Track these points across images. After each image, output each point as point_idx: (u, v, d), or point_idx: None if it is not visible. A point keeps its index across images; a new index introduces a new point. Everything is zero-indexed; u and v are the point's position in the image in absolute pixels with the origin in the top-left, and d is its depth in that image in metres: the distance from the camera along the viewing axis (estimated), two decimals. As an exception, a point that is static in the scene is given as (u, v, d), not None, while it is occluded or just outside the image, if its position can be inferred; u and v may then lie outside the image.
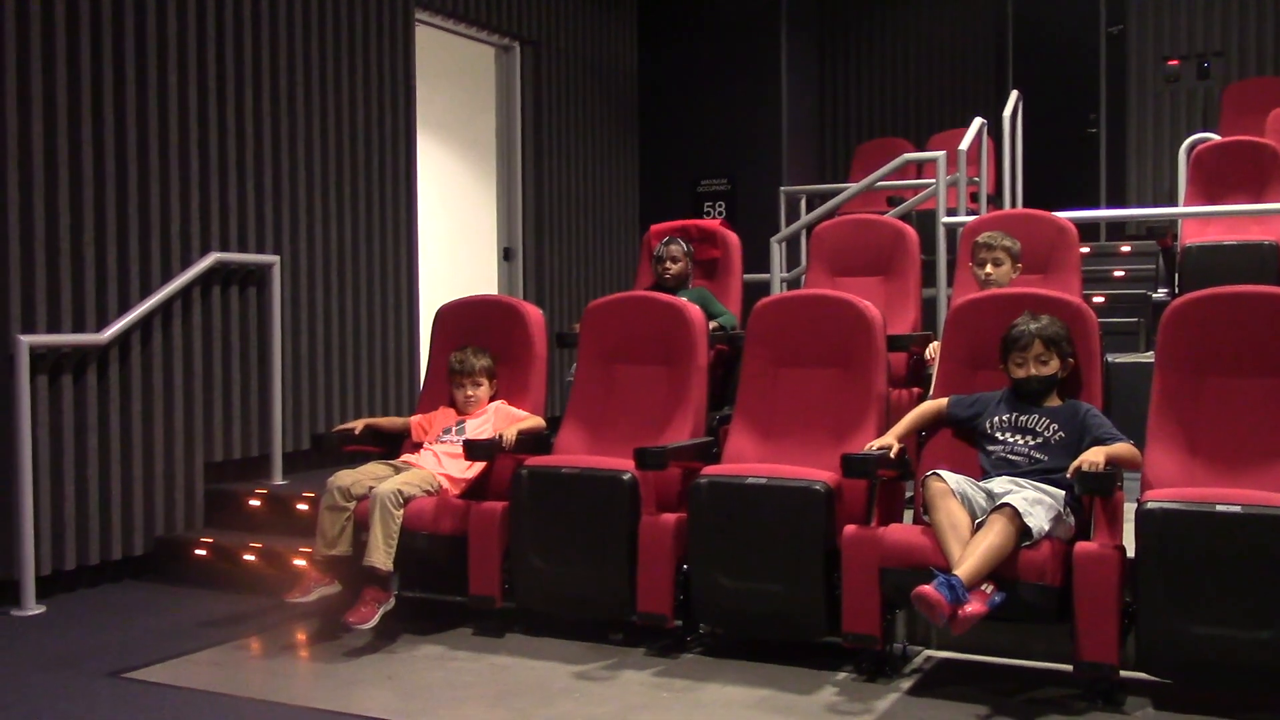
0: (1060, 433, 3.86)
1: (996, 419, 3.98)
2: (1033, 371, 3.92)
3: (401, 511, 4.40)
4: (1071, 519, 3.72)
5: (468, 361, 4.85)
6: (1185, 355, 3.89)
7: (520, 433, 4.55)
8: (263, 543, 5.29)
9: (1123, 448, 3.73)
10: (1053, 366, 3.93)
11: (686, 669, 4.06)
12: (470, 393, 4.84)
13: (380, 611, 4.33)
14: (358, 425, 4.92)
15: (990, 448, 3.95)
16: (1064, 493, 3.71)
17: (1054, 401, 3.96)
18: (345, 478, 4.55)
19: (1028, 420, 3.92)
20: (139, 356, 5.38)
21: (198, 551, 5.41)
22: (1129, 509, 3.64)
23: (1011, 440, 3.91)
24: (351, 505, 4.50)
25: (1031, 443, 3.88)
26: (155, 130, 5.47)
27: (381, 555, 4.34)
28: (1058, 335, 3.93)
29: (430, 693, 3.86)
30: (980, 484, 3.80)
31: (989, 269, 4.98)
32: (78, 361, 5.14)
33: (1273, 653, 3.32)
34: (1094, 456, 3.61)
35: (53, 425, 5.06)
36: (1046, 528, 3.59)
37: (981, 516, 3.64)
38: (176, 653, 4.32)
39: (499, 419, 4.77)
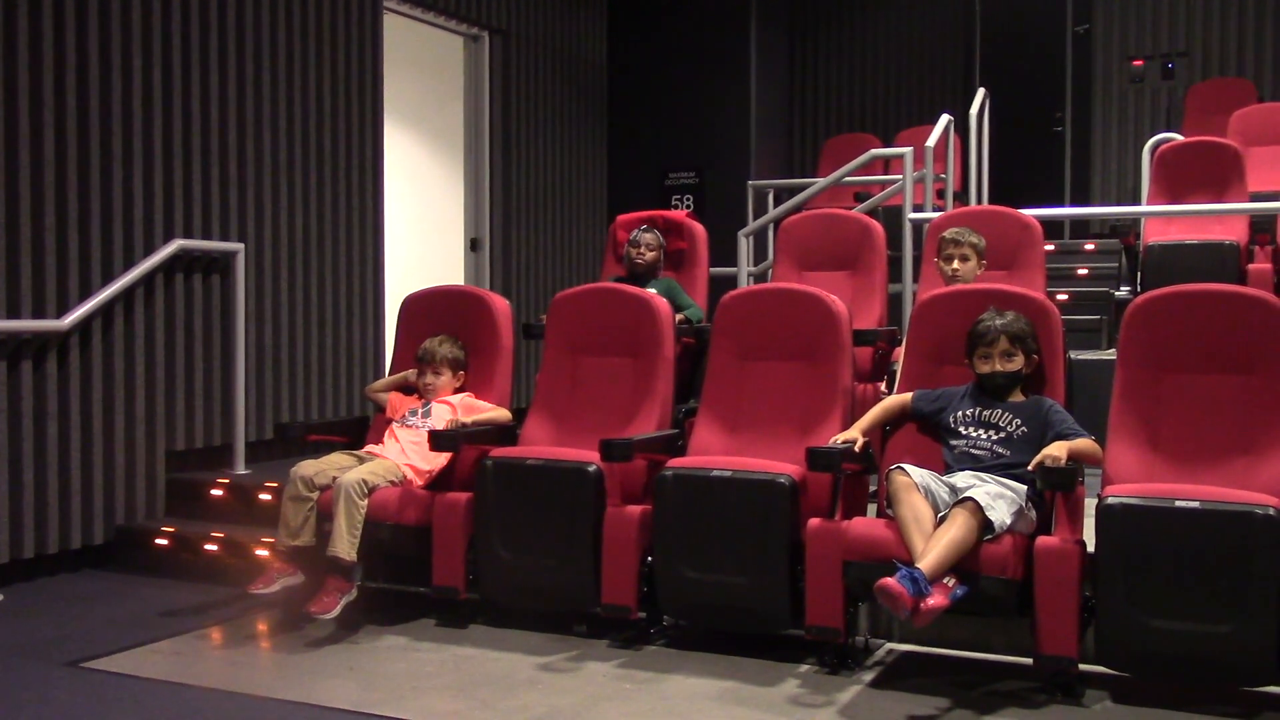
0: (1023, 428, 3.89)
1: (960, 413, 4.00)
2: (998, 367, 3.95)
3: (366, 502, 4.38)
4: (1033, 513, 3.75)
5: (430, 349, 4.85)
6: (1147, 352, 3.93)
7: (477, 421, 4.58)
8: (225, 532, 5.25)
9: (1084, 443, 3.77)
10: (1017, 362, 3.95)
11: (650, 661, 4.07)
12: (429, 380, 4.83)
13: (342, 601, 4.31)
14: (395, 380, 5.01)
15: (954, 442, 3.98)
16: (1026, 487, 3.74)
17: (1018, 397, 3.99)
18: (308, 467, 4.52)
19: (991, 415, 3.95)
20: (100, 344, 5.33)
21: (159, 541, 5.36)
22: (1090, 504, 3.68)
23: (975, 435, 3.94)
24: (315, 495, 4.48)
25: (994, 437, 3.91)
26: (119, 115, 5.41)
27: (345, 545, 4.31)
28: (1023, 331, 3.95)
29: (393, 683, 3.85)
30: (943, 478, 3.82)
31: (956, 264, 5.00)
32: (38, 348, 5.08)
33: (1230, 646, 3.36)
34: (1056, 451, 3.64)
35: (11, 412, 5.00)
36: (1008, 521, 3.61)
37: (944, 510, 3.67)
38: (136, 642, 4.28)
39: (463, 411, 4.75)
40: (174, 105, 5.67)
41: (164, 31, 5.63)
